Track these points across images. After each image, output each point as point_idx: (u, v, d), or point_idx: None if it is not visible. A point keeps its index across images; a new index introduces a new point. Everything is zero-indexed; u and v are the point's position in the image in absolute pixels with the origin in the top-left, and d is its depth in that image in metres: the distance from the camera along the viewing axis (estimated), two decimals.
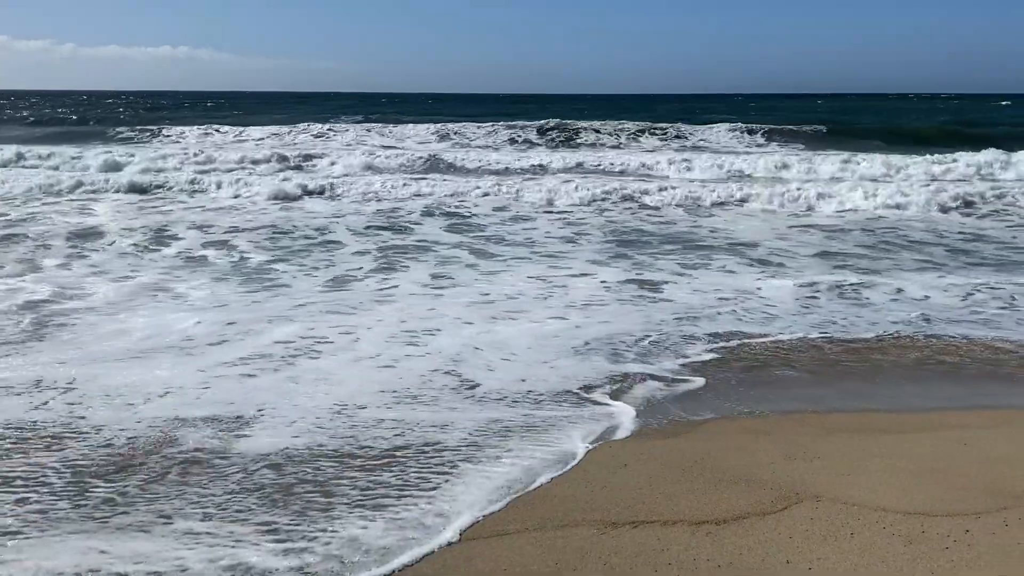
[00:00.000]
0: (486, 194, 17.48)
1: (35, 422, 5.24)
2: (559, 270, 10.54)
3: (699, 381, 6.25)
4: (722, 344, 7.22)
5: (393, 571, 3.66)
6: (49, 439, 5.01)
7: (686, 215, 15.72)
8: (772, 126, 31.68)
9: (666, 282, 9.79)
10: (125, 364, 6.45)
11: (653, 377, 6.32)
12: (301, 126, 32.60)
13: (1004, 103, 71.07)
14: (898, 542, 3.84)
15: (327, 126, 32.71)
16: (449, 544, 3.87)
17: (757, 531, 3.97)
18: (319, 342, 7.13)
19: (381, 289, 9.40)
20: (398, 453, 4.91)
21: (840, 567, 3.65)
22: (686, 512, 4.17)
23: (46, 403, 5.57)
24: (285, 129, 31.73)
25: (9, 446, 4.90)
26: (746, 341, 7.31)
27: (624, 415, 5.60)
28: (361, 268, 10.56)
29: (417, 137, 30.48)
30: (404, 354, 6.83)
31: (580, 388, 6.07)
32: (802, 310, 8.50)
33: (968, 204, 16.56)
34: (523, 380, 6.22)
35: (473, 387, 6.11)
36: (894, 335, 7.57)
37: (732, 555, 3.76)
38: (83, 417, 5.34)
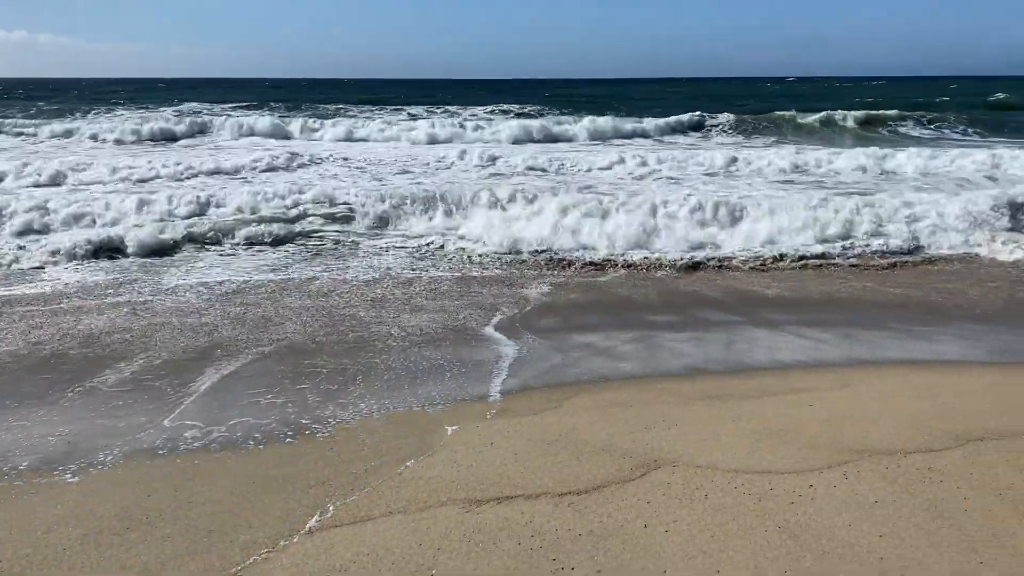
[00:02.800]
0: None
1: None
2: None
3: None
4: None
5: (253, 560, 3.55)
6: None
7: None
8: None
9: None
10: None
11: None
12: None
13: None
14: (749, 500, 3.98)
15: None
16: (309, 531, 3.78)
17: (617, 498, 4.04)
18: None
19: None
20: None
21: (695, 527, 3.74)
22: (550, 485, 4.19)
23: None
24: None
25: None
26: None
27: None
28: None
29: None
30: None
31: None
32: None
33: None
34: None
35: None
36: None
37: (593, 523, 3.80)
38: None
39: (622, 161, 18.20)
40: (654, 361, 6.38)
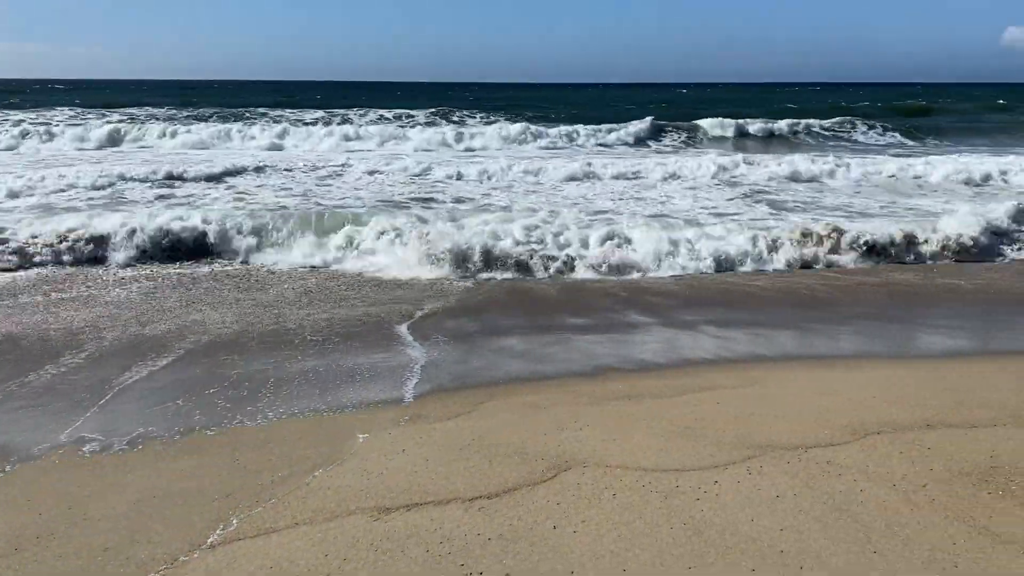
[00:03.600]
0: None
1: None
2: None
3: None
4: None
5: None
6: None
7: None
8: None
9: None
10: None
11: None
12: None
13: None
14: (656, 498, 4.02)
15: None
16: (211, 546, 3.67)
17: (528, 501, 4.03)
18: None
19: None
20: None
21: (603, 527, 3.76)
22: (460, 490, 4.16)
23: None
24: None
25: None
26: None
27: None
28: None
29: None
30: None
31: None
32: None
33: None
34: None
35: None
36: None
37: (503, 526, 3.79)
38: None
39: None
40: (569, 363, 6.42)
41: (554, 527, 3.75)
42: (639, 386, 5.79)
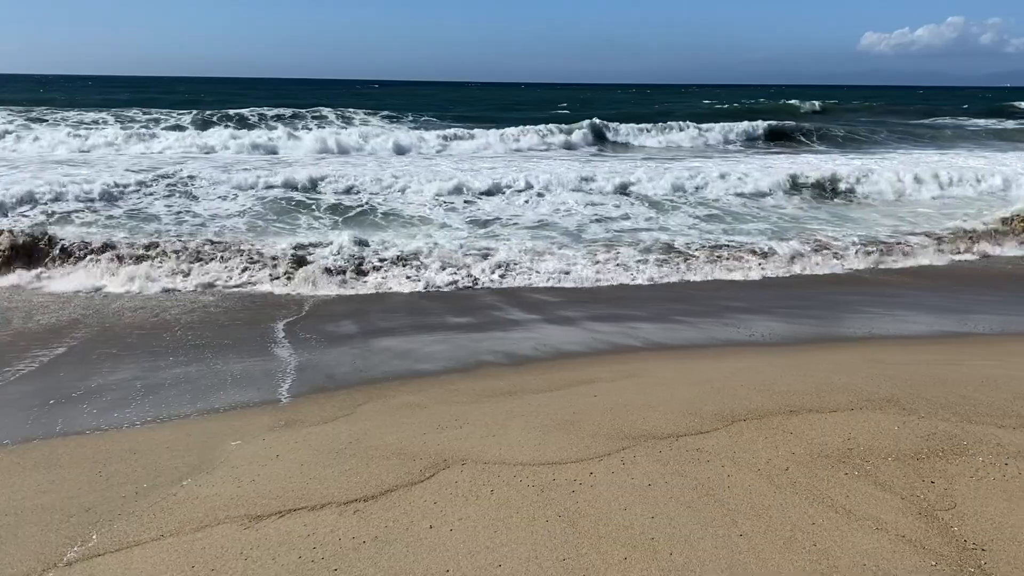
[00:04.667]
0: None
1: None
2: None
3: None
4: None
5: None
6: None
7: None
8: None
9: None
10: None
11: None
12: None
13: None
14: (532, 492, 4.03)
15: None
16: (68, 564, 3.46)
17: (404, 502, 3.97)
18: None
19: None
20: None
21: (479, 524, 3.74)
22: (335, 494, 4.06)
23: None
24: None
25: None
26: None
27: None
28: None
29: None
30: None
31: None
32: None
33: None
34: None
35: None
36: None
37: (378, 529, 3.72)
38: None
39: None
40: (450, 361, 6.39)
41: (430, 526, 3.71)
42: (519, 382, 5.82)
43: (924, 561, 3.33)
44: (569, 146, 27.00)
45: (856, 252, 11.32)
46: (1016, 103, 54.90)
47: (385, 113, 33.93)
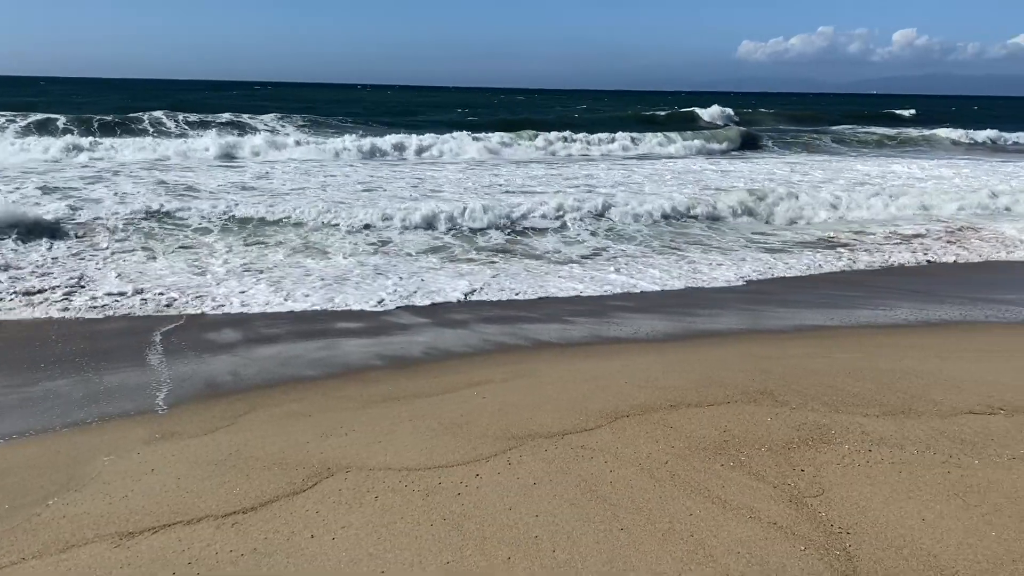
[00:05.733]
0: None
1: None
2: None
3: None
4: None
5: None
6: None
7: None
8: None
9: None
10: None
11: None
12: None
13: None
14: (417, 497, 4.00)
15: None
16: None
17: (285, 512, 3.87)
18: None
19: None
20: None
21: (363, 531, 3.68)
22: (213, 507, 3.92)
23: None
24: None
25: None
26: None
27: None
28: None
29: None
30: None
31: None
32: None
33: None
34: None
35: None
36: None
37: (258, 541, 3.61)
38: None
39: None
40: (338, 367, 6.28)
41: (312, 536, 3.64)
42: (408, 387, 5.77)
43: (794, 546, 3.47)
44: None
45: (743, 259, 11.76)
46: (898, 111, 58.18)
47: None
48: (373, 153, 24.80)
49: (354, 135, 27.01)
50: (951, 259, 11.77)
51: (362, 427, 4.94)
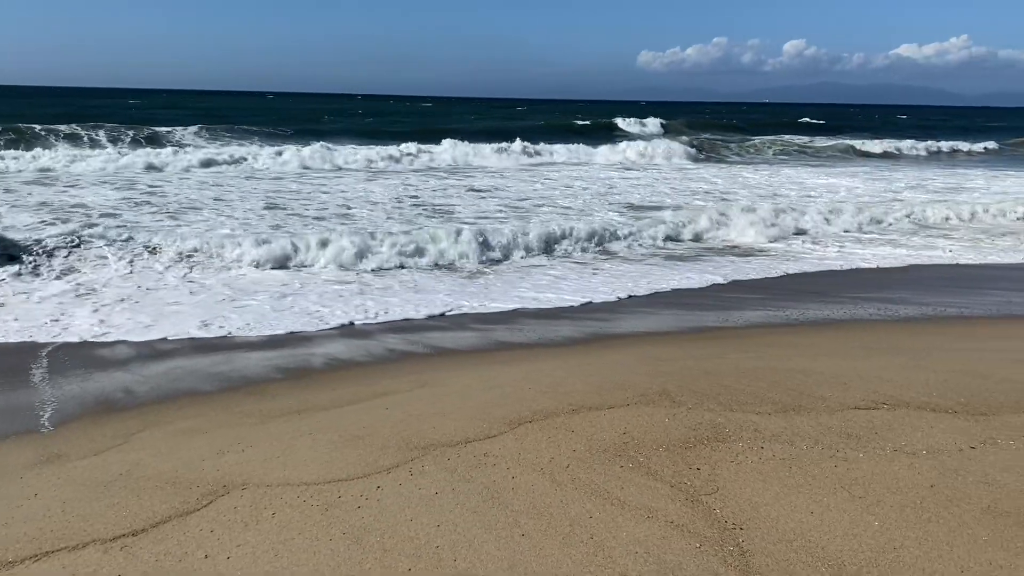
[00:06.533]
0: None
1: None
2: None
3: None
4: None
5: None
6: None
7: None
8: None
9: None
10: None
11: None
12: None
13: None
14: (316, 511, 3.92)
15: None
16: None
17: (178, 533, 3.74)
18: None
19: None
20: None
21: (259, 548, 3.58)
22: (101, 531, 3.75)
23: None
24: None
25: None
26: None
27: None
28: None
29: None
30: None
31: None
32: None
33: None
34: None
35: None
36: None
37: (148, 564, 3.47)
38: None
39: None
40: (235, 382, 6.13)
41: (206, 556, 3.52)
42: (308, 399, 5.66)
43: (690, 544, 3.54)
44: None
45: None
46: (805, 119, 60.55)
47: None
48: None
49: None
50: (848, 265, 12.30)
51: (260, 442, 4.82)
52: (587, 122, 46.84)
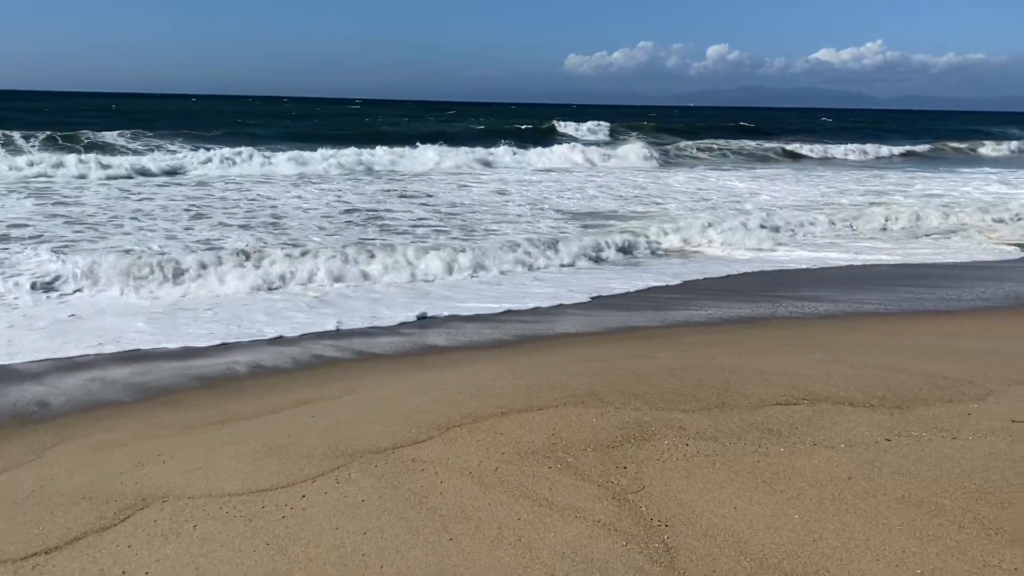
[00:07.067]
0: None
1: None
2: None
3: None
4: None
5: None
6: None
7: None
8: None
9: None
10: None
11: None
12: None
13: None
14: (239, 523, 3.83)
15: None
16: None
17: (94, 549, 3.60)
18: None
19: None
20: None
21: (179, 562, 3.49)
22: (10, 550, 3.58)
23: None
24: None
25: None
26: None
27: None
28: None
29: None
30: None
31: None
32: None
33: None
34: None
35: None
36: None
37: None
38: None
39: None
40: (154, 392, 5.96)
41: (123, 572, 3.41)
42: (230, 409, 5.55)
43: (617, 542, 3.57)
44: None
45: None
46: (744, 122, 61.76)
47: None
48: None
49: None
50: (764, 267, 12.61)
51: (181, 454, 4.70)
52: (528, 126, 46.86)
